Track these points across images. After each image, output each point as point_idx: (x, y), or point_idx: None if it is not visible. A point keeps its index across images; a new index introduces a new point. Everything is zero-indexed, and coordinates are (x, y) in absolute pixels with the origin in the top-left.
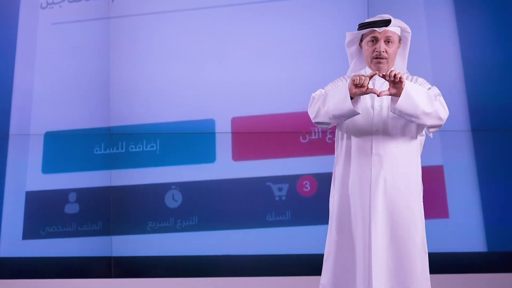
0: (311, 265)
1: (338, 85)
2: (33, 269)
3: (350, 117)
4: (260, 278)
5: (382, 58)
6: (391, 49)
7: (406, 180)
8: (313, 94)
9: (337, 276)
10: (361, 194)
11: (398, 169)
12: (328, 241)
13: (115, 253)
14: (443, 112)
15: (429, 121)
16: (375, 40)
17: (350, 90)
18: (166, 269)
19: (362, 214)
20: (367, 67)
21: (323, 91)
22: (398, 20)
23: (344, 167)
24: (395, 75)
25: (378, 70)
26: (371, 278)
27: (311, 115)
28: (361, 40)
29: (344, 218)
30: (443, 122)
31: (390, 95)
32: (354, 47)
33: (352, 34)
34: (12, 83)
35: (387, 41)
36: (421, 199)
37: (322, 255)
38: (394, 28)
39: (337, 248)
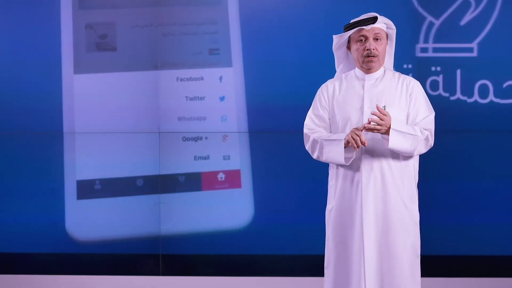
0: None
1: (333, 139)
2: (81, 266)
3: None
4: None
5: (373, 56)
6: (380, 46)
7: (398, 183)
8: (305, 130)
9: (338, 283)
10: (353, 198)
11: (390, 172)
12: (327, 248)
13: (164, 251)
14: (424, 150)
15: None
16: (364, 38)
17: (345, 144)
18: (215, 267)
19: (355, 219)
20: (356, 69)
21: (315, 119)
22: (383, 17)
23: (337, 171)
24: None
25: (369, 69)
26: (362, 283)
27: (311, 154)
28: (348, 42)
29: (339, 224)
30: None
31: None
32: (342, 50)
33: (339, 36)
34: (61, 83)
35: (376, 38)
36: (416, 203)
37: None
38: (381, 25)
39: (335, 255)
